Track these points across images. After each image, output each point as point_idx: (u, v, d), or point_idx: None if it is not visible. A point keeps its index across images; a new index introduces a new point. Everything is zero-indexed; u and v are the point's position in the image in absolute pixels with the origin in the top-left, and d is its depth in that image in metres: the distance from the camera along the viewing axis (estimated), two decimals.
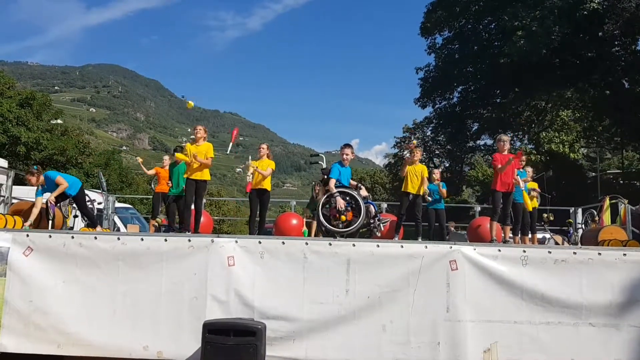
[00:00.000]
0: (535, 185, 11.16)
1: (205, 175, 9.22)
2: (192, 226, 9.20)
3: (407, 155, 10.28)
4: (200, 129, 9.38)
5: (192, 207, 9.24)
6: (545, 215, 11.61)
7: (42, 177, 9.13)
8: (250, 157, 9.91)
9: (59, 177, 9.27)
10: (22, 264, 7.18)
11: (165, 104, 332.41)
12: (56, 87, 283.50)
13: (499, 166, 8.72)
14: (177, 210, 10.77)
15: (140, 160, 13.05)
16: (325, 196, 8.23)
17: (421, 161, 10.31)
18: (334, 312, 6.98)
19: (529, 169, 11.17)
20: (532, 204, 10.74)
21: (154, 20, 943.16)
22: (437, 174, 11.55)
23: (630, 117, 29.03)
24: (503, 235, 8.98)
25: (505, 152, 8.92)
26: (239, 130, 11.43)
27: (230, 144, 10.63)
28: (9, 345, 7.03)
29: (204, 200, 14.55)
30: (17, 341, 7.03)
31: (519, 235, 9.97)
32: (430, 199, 10.84)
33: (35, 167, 9.69)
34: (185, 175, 9.36)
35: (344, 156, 8.63)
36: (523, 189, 9.73)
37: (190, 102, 10.97)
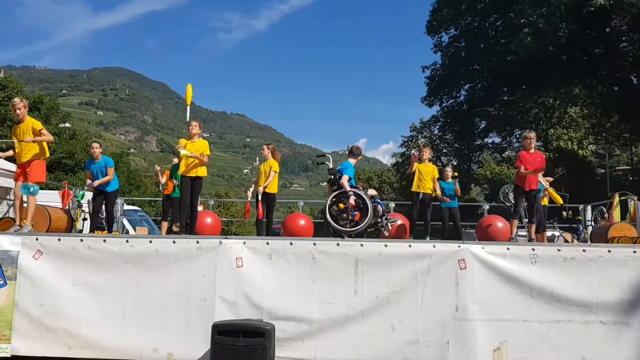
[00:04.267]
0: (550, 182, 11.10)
1: (200, 172, 8.83)
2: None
3: (415, 152, 10.26)
4: (195, 125, 8.95)
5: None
6: (564, 213, 11.55)
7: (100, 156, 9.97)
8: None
9: (112, 168, 10.04)
10: (32, 268, 7.21)
11: (172, 106, 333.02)
12: (64, 91, 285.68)
13: (522, 170, 8.64)
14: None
15: (157, 168, 12.64)
16: (332, 196, 8.22)
17: (430, 160, 10.27)
18: (343, 312, 6.98)
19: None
20: (542, 202, 10.66)
21: (161, 23, 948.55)
22: (449, 172, 11.20)
23: (639, 113, 28.81)
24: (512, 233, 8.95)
25: (532, 151, 8.84)
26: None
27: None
28: (21, 348, 7.07)
29: (211, 202, 14.65)
30: (28, 344, 7.07)
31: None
32: (448, 199, 10.76)
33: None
34: (180, 172, 8.97)
35: (359, 157, 8.92)
36: (547, 188, 9.68)
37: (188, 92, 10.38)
